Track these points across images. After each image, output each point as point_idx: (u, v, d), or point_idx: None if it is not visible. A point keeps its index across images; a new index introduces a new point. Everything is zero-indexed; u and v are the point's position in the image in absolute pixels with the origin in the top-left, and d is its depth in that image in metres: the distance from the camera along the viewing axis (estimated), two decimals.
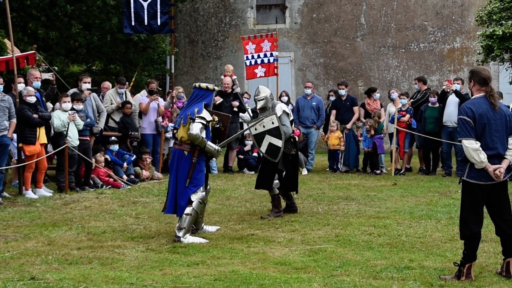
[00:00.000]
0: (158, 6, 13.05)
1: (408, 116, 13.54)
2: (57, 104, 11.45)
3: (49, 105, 11.97)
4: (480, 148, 5.54)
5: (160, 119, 13.18)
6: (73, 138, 10.93)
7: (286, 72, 20.07)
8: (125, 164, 12.13)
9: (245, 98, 14.70)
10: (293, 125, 9.03)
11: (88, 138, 11.47)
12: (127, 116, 12.66)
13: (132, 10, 13.05)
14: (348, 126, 14.10)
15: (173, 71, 14.61)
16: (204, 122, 7.31)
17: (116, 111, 12.73)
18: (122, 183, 11.68)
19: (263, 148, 8.57)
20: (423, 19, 20.11)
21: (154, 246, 6.97)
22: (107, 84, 13.44)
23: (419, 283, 5.55)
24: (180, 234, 7.18)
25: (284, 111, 8.72)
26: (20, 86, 10.78)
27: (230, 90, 13.82)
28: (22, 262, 6.30)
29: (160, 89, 15.21)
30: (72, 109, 11.05)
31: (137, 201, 10.12)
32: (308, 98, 14.52)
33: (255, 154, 13.96)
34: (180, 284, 5.56)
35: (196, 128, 7.22)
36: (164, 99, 14.30)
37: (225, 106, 13.35)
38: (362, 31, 20.39)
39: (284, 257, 6.45)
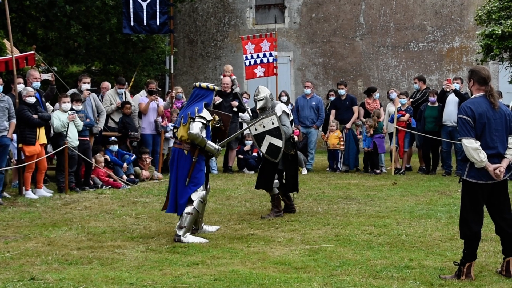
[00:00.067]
0: (157, 6, 13.06)
1: (407, 115, 13.55)
2: (57, 104, 11.46)
3: (49, 106, 11.96)
4: (480, 148, 5.54)
5: (159, 119, 13.19)
6: (73, 139, 10.94)
7: (286, 72, 20.05)
8: (125, 164, 12.13)
9: (245, 98, 14.69)
10: (292, 125, 9.04)
11: (87, 138, 11.48)
12: (126, 116, 12.66)
13: (131, 10, 13.05)
14: (348, 125, 14.11)
15: (172, 71, 14.63)
16: (204, 122, 7.32)
17: (115, 111, 12.73)
18: (122, 183, 11.68)
19: (264, 148, 8.57)
20: (422, 19, 20.10)
21: (154, 246, 6.96)
22: (106, 84, 13.45)
23: (419, 283, 5.55)
24: (181, 233, 7.18)
25: (283, 111, 8.72)
26: (20, 87, 10.77)
27: (230, 90, 13.82)
28: (22, 262, 6.29)
29: (160, 89, 15.20)
30: (72, 109, 11.05)
31: (137, 201, 10.11)
32: (308, 98, 14.52)
33: (255, 154, 13.96)
34: (180, 284, 5.56)
35: (196, 127, 7.23)
36: (164, 99, 14.30)
37: (225, 106, 13.34)
38: (361, 31, 20.39)
39: (284, 257, 6.45)
